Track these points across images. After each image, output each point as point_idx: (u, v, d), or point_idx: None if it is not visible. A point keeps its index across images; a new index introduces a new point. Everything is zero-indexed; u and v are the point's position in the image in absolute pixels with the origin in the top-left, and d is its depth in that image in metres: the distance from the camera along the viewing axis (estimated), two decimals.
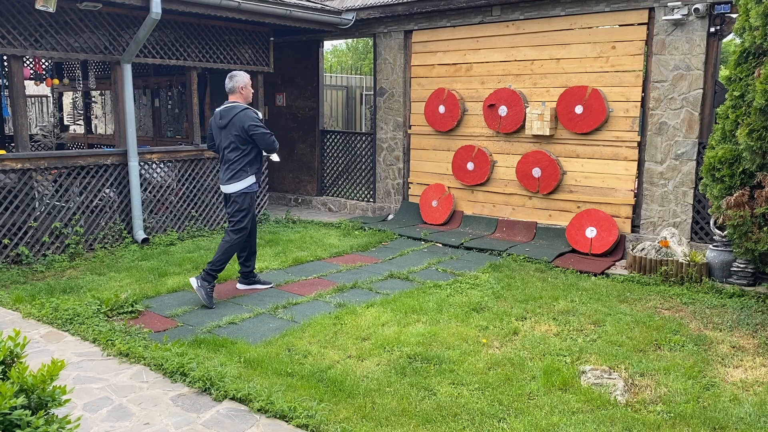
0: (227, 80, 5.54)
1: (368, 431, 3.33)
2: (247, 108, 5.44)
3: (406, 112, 9.34)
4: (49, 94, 13.89)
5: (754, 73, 4.88)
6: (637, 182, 7.38)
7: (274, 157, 5.95)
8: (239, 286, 5.91)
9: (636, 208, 7.38)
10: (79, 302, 5.21)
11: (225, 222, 8.71)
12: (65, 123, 11.96)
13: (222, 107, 5.53)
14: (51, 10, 6.24)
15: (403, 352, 4.36)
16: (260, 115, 5.54)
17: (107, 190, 7.41)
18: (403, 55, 9.21)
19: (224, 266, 5.53)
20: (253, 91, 5.71)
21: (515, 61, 8.12)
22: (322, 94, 10.60)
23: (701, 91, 6.77)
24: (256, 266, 6.61)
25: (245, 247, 5.81)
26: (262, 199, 9.18)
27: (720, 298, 5.70)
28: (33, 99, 14.91)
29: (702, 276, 6.10)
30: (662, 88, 7.01)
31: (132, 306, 5.19)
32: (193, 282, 5.40)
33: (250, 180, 5.52)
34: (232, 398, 3.67)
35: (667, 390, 3.87)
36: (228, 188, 5.53)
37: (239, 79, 5.50)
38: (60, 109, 11.78)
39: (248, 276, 5.91)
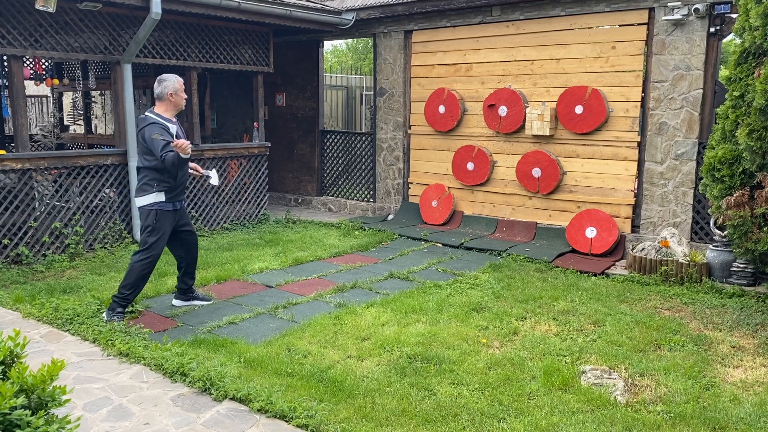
0: (156, 84, 4.92)
1: (368, 431, 3.33)
2: (154, 123, 4.81)
3: (406, 112, 9.34)
4: (49, 94, 13.89)
5: (754, 73, 4.88)
6: (637, 182, 7.38)
7: (214, 181, 5.29)
8: (175, 302, 5.44)
9: (636, 208, 7.38)
10: (79, 302, 5.21)
11: (225, 222, 8.71)
12: (65, 123, 11.95)
13: (143, 114, 4.98)
14: (51, 10, 6.24)
15: (403, 352, 4.36)
16: (173, 129, 4.89)
17: (107, 190, 7.41)
18: (403, 55, 9.21)
19: (136, 291, 4.99)
20: (185, 97, 4.98)
21: (515, 61, 8.12)
22: (322, 94, 10.60)
23: (701, 91, 6.77)
24: (255, 267, 6.62)
25: (182, 261, 5.33)
26: (262, 199, 9.18)
27: (720, 298, 5.70)
28: (33, 99, 14.90)
29: (702, 276, 6.10)
30: (662, 88, 7.01)
31: (132, 306, 5.18)
32: (105, 318, 4.90)
33: (155, 197, 4.91)
34: (232, 398, 3.67)
35: (667, 390, 3.87)
36: (136, 201, 5.05)
37: (168, 85, 4.88)
38: (60, 109, 11.77)
39: (185, 292, 5.43)
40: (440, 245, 7.86)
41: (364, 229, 8.66)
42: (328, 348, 4.46)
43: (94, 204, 7.27)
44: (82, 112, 11.58)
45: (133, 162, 7.43)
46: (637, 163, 7.30)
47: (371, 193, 9.93)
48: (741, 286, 5.92)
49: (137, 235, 7.51)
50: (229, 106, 11.55)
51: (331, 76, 14.56)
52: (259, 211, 9.17)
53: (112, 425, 3.40)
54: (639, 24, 7.14)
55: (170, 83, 4.89)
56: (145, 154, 4.92)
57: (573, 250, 7.42)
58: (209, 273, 6.34)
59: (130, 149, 7.41)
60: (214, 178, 5.26)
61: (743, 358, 4.40)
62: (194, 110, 8.31)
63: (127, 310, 5.07)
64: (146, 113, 4.95)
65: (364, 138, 10.06)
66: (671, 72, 6.93)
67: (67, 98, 12.63)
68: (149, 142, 4.78)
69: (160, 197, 4.95)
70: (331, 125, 13.94)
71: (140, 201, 4.98)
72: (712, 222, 6.35)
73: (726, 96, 5.25)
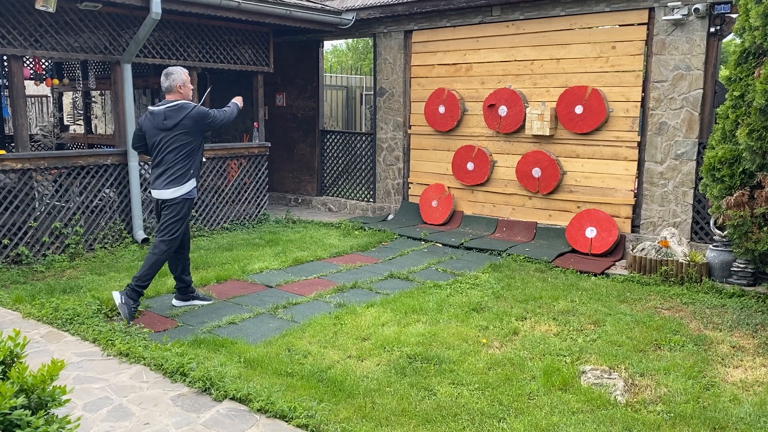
0: (163, 78, 5.10)
1: (368, 431, 3.33)
2: (196, 105, 5.11)
3: (406, 112, 9.34)
4: (49, 94, 13.89)
5: (754, 73, 4.88)
6: (637, 182, 7.38)
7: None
8: (175, 302, 5.44)
9: (636, 208, 7.38)
10: (79, 302, 5.21)
11: (225, 222, 8.71)
12: (65, 123, 11.95)
13: (164, 106, 5.05)
14: (51, 10, 6.24)
15: (403, 352, 4.36)
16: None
17: (107, 190, 7.40)
18: (403, 55, 9.21)
19: (150, 282, 5.11)
20: (192, 87, 5.27)
21: (515, 61, 8.12)
22: (322, 94, 10.60)
23: (701, 91, 6.77)
24: (255, 267, 6.62)
25: (179, 260, 5.35)
26: (262, 199, 9.18)
27: (720, 298, 5.70)
28: (33, 99, 14.90)
29: (702, 276, 6.10)
30: (662, 88, 7.01)
31: None
32: (116, 297, 4.96)
33: (192, 184, 5.13)
34: (232, 398, 3.67)
35: (667, 390, 3.87)
36: (165, 193, 5.05)
37: (177, 77, 5.07)
38: (60, 109, 11.77)
39: (185, 292, 5.45)
40: (440, 245, 7.86)
41: (364, 229, 8.66)
42: (328, 348, 4.46)
43: (94, 204, 7.27)
44: (82, 112, 11.59)
45: (134, 162, 7.44)
46: (637, 163, 7.30)
47: (371, 193, 9.93)
48: (741, 286, 5.92)
49: (137, 235, 7.51)
50: None
51: (331, 76, 14.56)
52: (259, 211, 9.17)
53: (112, 425, 3.40)
54: (639, 24, 7.14)
55: (178, 75, 5.10)
56: (190, 145, 5.06)
57: (573, 250, 7.42)
58: (209, 273, 6.34)
59: (129, 149, 7.40)
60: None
61: (743, 358, 4.40)
62: None
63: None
64: (177, 102, 5.05)
65: (364, 138, 10.06)
66: (671, 72, 6.93)
67: (67, 98, 12.63)
68: (208, 117, 5.09)
69: (194, 184, 5.17)
70: (331, 125, 13.93)
71: (178, 191, 5.06)
72: (712, 222, 6.35)
73: (726, 96, 5.25)
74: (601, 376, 4.02)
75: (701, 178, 5.84)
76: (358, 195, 10.21)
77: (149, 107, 5.17)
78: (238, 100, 5.47)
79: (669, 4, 6.79)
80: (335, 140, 10.44)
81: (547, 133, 7.75)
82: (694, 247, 6.85)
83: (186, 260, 5.42)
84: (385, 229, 8.57)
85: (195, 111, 5.05)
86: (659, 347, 4.58)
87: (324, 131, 10.63)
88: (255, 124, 9.13)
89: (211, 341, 4.51)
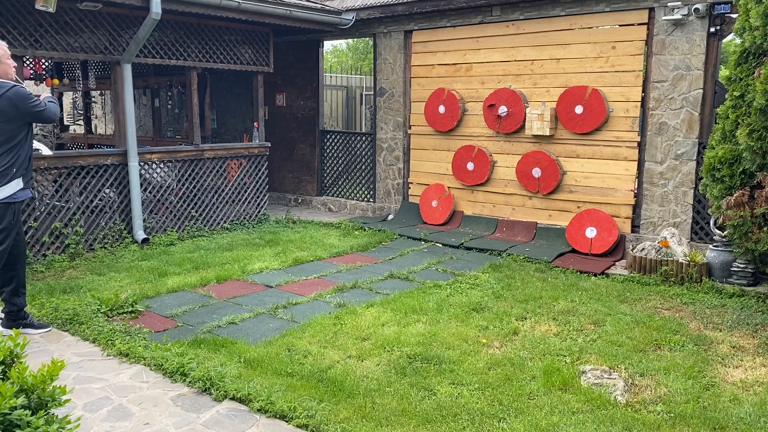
0: None
1: (368, 431, 3.33)
2: (16, 85, 4.15)
3: (406, 112, 9.34)
4: (49, 94, 13.87)
5: (754, 73, 4.88)
6: (637, 182, 7.38)
7: (46, 151, 4.53)
8: (1, 329, 4.48)
9: (636, 208, 7.38)
10: (79, 302, 5.21)
11: (225, 222, 8.71)
12: (65, 123, 11.95)
13: None
14: (51, 10, 6.24)
15: (403, 352, 4.36)
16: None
17: (107, 190, 7.40)
18: (403, 55, 9.21)
19: None
20: (14, 65, 4.22)
21: (515, 61, 8.12)
22: (322, 94, 10.60)
23: (701, 91, 6.77)
24: (255, 267, 6.61)
25: (6, 278, 4.41)
26: (262, 199, 9.18)
27: (720, 298, 5.70)
28: None
29: (702, 276, 6.10)
30: (662, 88, 7.01)
31: (132, 306, 5.18)
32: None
33: (16, 186, 4.15)
34: (232, 398, 3.67)
35: (667, 390, 3.87)
36: None
37: None
38: (60, 109, 11.76)
39: (15, 317, 4.51)
40: (440, 245, 7.86)
41: (364, 229, 8.66)
42: (328, 348, 4.46)
43: (94, 204, 7.26)
44: (82, 112, 11.58)
45: (134, 162, 7.44)
46: (637, 163, 7.30)
47: (371, 193, 9.93)
48: (741, 286, 5.92)
49: (138, 235, 7.50)
50: (229, 106, 11.55)
51: (331, 76, 14.56)
52: (259, 211, 9.17)
53: (112, 425, 3.40)
54: (639, 24, 7.14)
55: None
56: (10, 134, 4.11)
57: (573, 250, 7.42)
58: (209, 273, 6.34)
59: (130, 149, 7.40)
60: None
61: (743, 358, 4.40)
62: (194, 110, 8.31)
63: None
64: None
65: (364, 138, 10.06)
66: (671, 72, 6.93)
67: (67, 98, 12.63)
68: (25, 102, 4.11)
69: (20, 185, 4.24)
70: (331, 125, 13.94)
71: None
72: (712, 222, 6.35)
73: (726, 96, 5.25)
74: (601, 376, 4.02)
75: (701, 178, 5.84)
76: (358, 195, 10.21)
77: None
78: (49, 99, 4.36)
79: (669, 4, 6.79)
80: (335, 140, 10.44)
81: (547, 133, 7.75)
82: (694, 247, 6.85)
83: (19, 279, 4.48)
84: (385, 229, 8.57)
85: (14, 91, 4.08)
86: (659, 347, 4.58)
87: (324, 131, 10.63)
88: (255, 124, 9.13)
89: (211, 341, 4.51)
